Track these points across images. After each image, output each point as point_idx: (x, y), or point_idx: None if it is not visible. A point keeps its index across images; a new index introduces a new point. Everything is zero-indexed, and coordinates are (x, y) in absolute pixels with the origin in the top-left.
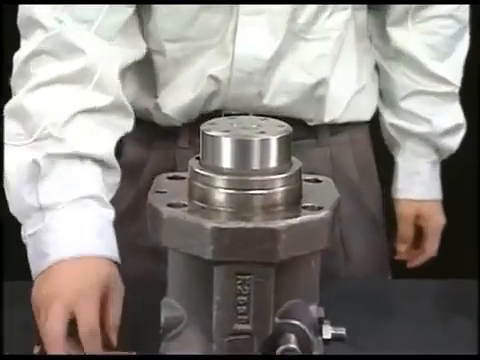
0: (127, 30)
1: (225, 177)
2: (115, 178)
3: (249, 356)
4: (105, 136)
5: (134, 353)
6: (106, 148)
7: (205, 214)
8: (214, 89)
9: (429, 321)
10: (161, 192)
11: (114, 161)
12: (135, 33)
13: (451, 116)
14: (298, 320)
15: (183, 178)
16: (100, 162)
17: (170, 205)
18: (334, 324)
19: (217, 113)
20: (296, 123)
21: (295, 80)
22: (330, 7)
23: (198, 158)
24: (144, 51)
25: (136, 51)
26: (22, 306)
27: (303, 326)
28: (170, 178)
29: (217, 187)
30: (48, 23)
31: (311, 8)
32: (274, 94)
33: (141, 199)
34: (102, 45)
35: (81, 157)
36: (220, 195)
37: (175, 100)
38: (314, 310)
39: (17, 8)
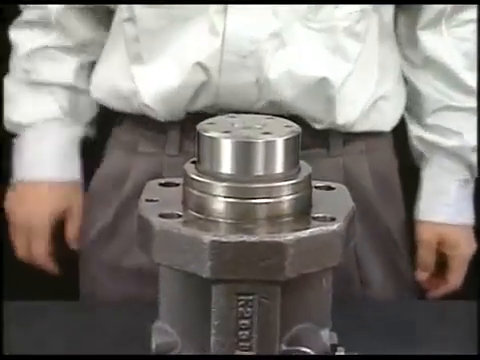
0: None
1: (225, 184)
2: (84, 99)
3: (249, 356)
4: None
5: None
6: (67, 73)
7: (202, 226)
8: (203, 79)
9: (455, 348)
10: (152, 200)
11: (78, 83)
12: None
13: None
14: (308, 347)
15: (177, 185)
16: (62, 86)
17: (162, 215)
18: (349, 351)
19: (208, 110)
20: (304, 127)
21: (298, 72)
22: None
23: (194, 162)
24: None
25: None
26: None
27: (313, 354)
28: (162, 185)
29: (216, 195)
30: None
31: None
32: (275, 85)
33: (123, 213)
34: None
35: (43, 84)
36: (219, 204)
37: (154, 87)
38: (326, 336)
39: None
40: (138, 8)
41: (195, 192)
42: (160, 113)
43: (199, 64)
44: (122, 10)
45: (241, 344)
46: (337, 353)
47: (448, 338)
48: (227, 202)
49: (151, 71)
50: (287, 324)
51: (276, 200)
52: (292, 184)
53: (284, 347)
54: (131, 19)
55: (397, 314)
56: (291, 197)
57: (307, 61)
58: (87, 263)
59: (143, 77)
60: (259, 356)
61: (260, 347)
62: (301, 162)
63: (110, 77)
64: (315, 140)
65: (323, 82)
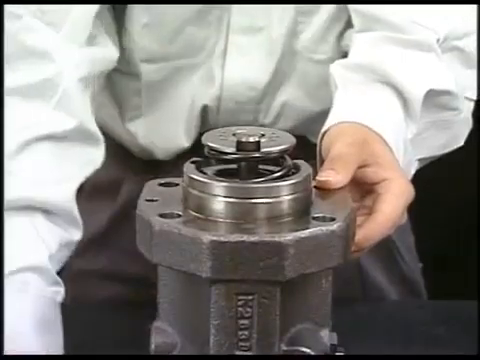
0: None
1: (225, 183)
2: (75, 235)
3: (249, 356)
4: (66, 174)
5: None
6: (65, 195)
7: (202, 226)
8: (201, 120)
9: (455, 348)
10: (152, 200)
11: (75, 213)
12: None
13: None
14: (307, 347)
15: (177, 184)
16: (55, 215)
17: (162, 215)
18: (349, 352)
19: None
20: (303, 142)
21: (299, 105)
22: (342, 21)
23: (194, 162)
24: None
25: (108, 56)
26: None
27: (313, 354)
28: (162, 184)
29: (216, 195)
30: (6, 22)
31: (318, 21)
32: (274, 119)
33: (116, 223)
34: (71, 50)
35: (29, 208)
36: (219, 204)
37: (152, 135)
38: (326, 336)
39: None
40: (143, 64)
41: (195, 192)
42: (156, 154)
43: (199, 110)
44: (121, 64)
45: (241, 344)
46: (337, 353)
47: (448, 338)
48: (227, 202)
49: (150, 121)
50: (287, 324)
51: (276, 200)
52: (292, 184)
53: (284, 347)
54: (134, 73)
55: (397, 314)
56: (291, 197)
57: (307, 95)
58: (75, 270)
59: (141, 127)
60: (259, 356)
61: (260, 347)
62: (301, 162)
63: (101, 121)
64: (313, 151)
65: (325, 114)
